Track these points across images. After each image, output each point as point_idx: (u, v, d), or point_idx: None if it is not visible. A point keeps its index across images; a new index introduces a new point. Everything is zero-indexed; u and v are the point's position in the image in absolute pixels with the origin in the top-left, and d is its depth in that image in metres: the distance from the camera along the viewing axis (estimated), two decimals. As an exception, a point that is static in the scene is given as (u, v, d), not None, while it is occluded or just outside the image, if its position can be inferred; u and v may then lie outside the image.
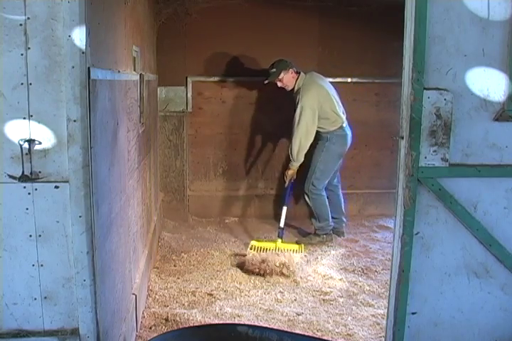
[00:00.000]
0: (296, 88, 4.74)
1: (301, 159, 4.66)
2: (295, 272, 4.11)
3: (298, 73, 4.74)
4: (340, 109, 4.79)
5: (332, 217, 4.97)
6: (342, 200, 5.12)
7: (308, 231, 5.11)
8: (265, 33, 5.32)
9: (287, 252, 4.48)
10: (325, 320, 3.36)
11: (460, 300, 2.36)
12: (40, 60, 1.91)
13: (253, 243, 4.65)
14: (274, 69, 4.67)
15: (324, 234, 4.87)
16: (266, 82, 4.73)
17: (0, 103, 1.91)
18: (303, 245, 4.71)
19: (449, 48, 2.18)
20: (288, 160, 4.77)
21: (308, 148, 4.65)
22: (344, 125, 4.80)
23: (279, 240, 4.65)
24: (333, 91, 4.81)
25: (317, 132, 4.72)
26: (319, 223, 4.87)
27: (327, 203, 4.87)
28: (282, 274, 4.06)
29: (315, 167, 4.77)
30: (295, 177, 4.76)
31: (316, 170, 4.76)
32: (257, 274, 4.07)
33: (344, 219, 5.11)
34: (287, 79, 4.71)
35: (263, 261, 4.11)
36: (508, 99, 2.24)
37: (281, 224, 4.68)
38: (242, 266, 4.20)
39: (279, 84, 4.75)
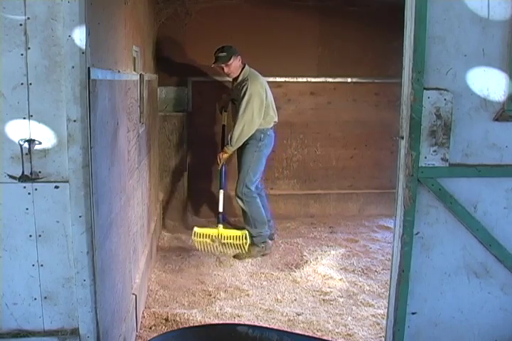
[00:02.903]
0: (240, 78, 4.54)
1: (239, 145, 4.51)
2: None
3: (244, 64, 4.57)
4: (275, 108, 4.68)
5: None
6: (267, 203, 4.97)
7: None
8: (265, 33, 5.32)
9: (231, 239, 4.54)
10: (325, 320, 3.36)
11: (460, 300, 2.36)
12: (40, 60, 1.91)
13: (196, 229, 4.57)
14: (225, 53, 4.45)
15: (262, 243, 4.57)
16: (213, 65, 4.54)
17: (0, 103, 1.91)
18: (246, 231, 4.52)
19: (449, 48, 2.18)
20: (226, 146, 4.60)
21: (248, 136, 4.47)
22: (273, 126, 4.68)
23: (220, 226, 4.57)
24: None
25: None
26: (256, 229, 4.57)
27: (261, 205, 4.64)
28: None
29: (248, 168, 4.55)
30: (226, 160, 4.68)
31: (249, 171, 4.54)
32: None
33: (272, 222, 4.97)
34: (235, 65, 4.50)
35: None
36: (508, 99, 2.23)
37: (220, 209, 4.62)
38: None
39: (226, 69, 4.52)
